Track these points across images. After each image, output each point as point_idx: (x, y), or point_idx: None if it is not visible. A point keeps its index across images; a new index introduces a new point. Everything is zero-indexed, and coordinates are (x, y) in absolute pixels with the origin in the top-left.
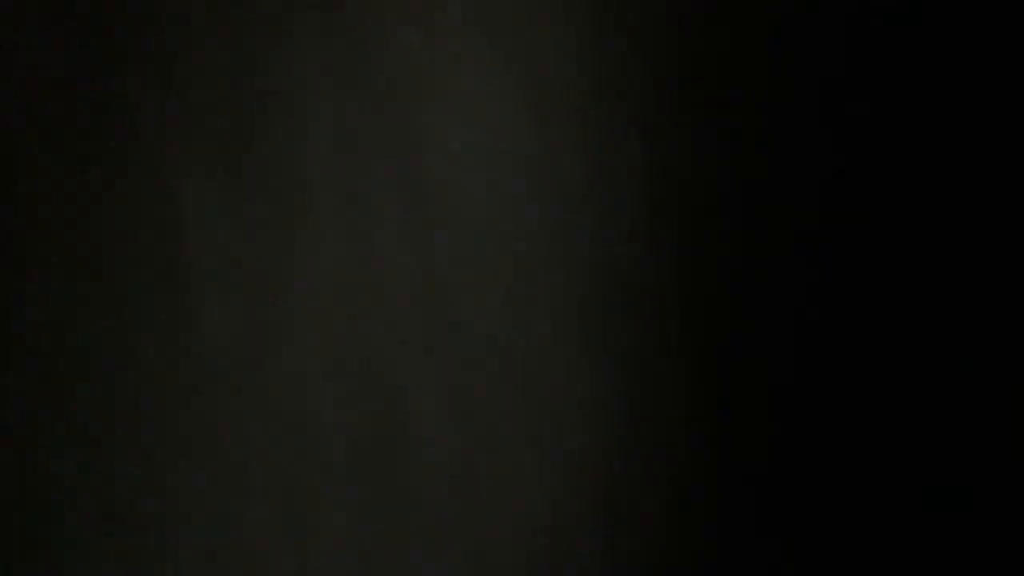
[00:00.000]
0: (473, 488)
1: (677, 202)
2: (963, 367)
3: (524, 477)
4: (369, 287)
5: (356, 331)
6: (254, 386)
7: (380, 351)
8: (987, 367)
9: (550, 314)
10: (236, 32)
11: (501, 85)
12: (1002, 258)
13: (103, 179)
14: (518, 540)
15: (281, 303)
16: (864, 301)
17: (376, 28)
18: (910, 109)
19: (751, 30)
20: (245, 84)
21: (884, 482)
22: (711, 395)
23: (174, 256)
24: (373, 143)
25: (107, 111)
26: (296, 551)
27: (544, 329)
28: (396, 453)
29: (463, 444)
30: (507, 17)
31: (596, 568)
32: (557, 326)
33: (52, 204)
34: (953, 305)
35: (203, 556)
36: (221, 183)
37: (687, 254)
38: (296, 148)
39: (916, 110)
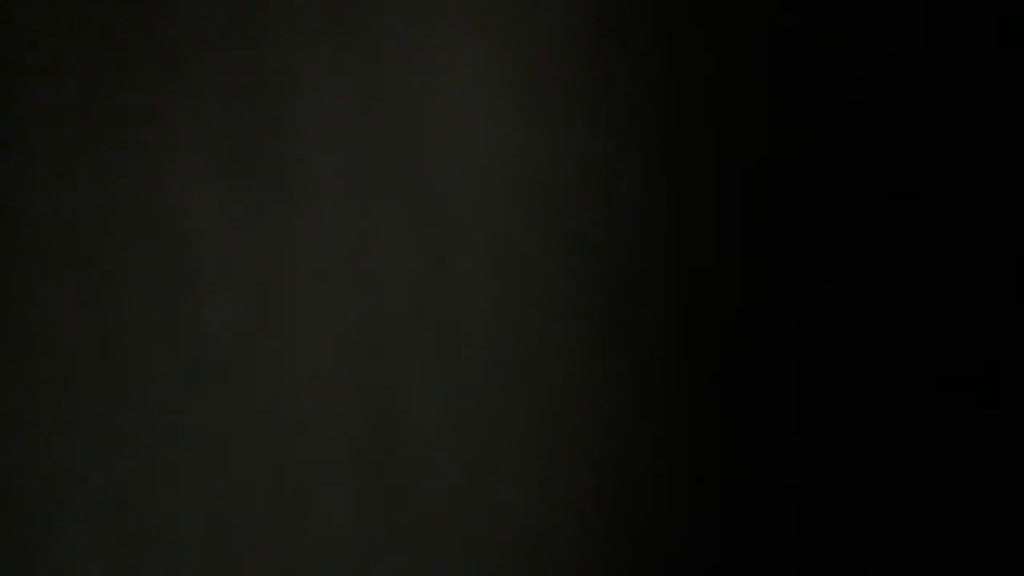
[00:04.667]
0: (470, 483)
1: (676, 198)
2: (963, 368)
3: (522, 473)
4: (370, 284)
5: (357, 327)
6: (255, 382)
7: (381, 348)
8: (987, 369)
9: (550, 310)
10: (241, 32)
11: (501, 82)
12: (1003, 261)
13: (105, 174)
14: (515, 538)
15: (283, 299)
16: (864, 300)
17: (378, 27)
18: (914, 105)
19: (750, 29)
20: (248, 83)
21: (881, 478)
22: (712, 392)
23: (177, 252)
24: (376, 142)
25: (108, 107)
26: (294, 546)
27: (543, 326)
28: (395, 450)
29: (461, 441)
30: (507, 14)
31: (594, 566)
32: (555, 323)
33: (55, 199)
34: (952, 305)
35: (201, 550)
36: (223, 180)
37: (685, 251)
38: (298, 146)
39: (919, 107)
